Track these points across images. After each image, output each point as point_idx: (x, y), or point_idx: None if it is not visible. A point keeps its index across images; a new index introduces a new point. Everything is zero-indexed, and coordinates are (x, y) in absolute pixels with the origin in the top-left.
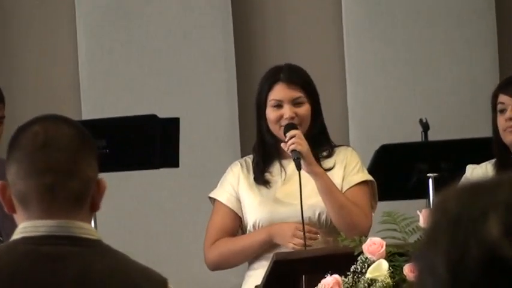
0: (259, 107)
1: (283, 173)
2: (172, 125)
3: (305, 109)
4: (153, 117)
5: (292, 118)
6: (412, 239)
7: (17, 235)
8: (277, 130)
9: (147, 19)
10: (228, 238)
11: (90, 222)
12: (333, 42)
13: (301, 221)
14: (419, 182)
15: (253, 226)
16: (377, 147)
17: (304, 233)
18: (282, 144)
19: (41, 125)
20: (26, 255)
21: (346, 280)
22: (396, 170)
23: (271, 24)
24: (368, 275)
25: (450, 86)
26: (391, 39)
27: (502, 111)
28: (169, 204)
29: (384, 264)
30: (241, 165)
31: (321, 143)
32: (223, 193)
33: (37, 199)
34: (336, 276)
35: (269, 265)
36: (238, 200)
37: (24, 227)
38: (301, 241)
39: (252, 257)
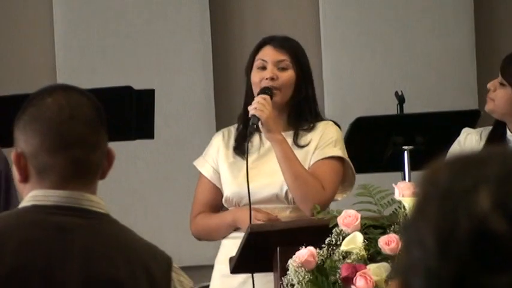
0: (247, 71)
1: (262, 147)
2: (147, 97)
3: (288, 75)
4: (128, 89)
5: (272, 79)
6: (387, 212)
7: (26, 202)
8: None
9: None
10: (206, 214)
11: (96, 192)
12: (308, 14)
13: (267, 198)
14: (395, 155)
15: (225, 201)
16: (352, 119)
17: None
18: (249, 107)
19: (60, 95)
20: (35, 224)
21: (321, 252)
22: (371, 143)
23: (249, 7)
24: (343, 248)
25: (426, 59)
26: (367, 12)
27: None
28: (145, 175)
29: (359, 237)
30: (223, 135)
31: (302, 114)
32: (204, 165)
33: (59, 171)
34: (311, 248)
35: (244, 237)
36: (218, 173)
37: (35, 195)
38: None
39: (225, 235)
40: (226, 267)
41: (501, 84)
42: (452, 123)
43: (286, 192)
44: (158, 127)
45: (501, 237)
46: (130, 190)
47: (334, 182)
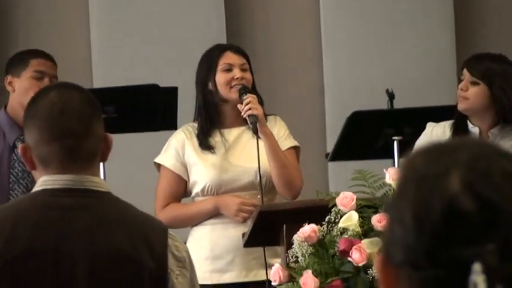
0: (208, 73)
1: (225, 142)
2: (171, 93)
3: (249, 75)
4: (154, 86)
5: (241, 79)
6: (379, 194)
7: (37, 187)
8: (227, 92)
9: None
10: (177, 204)
11: (99, 172)
12: (309, 21)
13: (244, 185)
14: (386, 144)
15: (203, 190)
16: (349, 113)
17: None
18: (238, 105)
19: (55, 93)
20: (45, 206)
21: (322, 229)
22: (366, 134)
23: (258, 9)
24: (340, 225)
25: (412, 61)
26: (363, 21)
27: (459, 81)
28: None
29: (354, 215)
30: (184, 132)
31: None
32: (168, 158)
33: (58, 159)
34: (313, 225)
35: (254, 215)
36: (183, 165)
37: (45, 180)
38: (246, 215)
39: (199, 222)
40: (206, 251)
41: (473, 83)
42: (435, 116)
43: (259, 180)
44: (180, 119)
45: (469, 214)
46: (154, 174)
47: (300, 169)
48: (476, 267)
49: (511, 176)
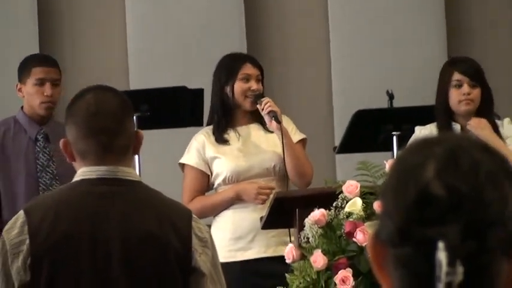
0: (228, 79)
1: (240, 137)
2: (198, 94)
3: (261, 86)
4: (183, 88)
5: (258, 90)
6: (380, 182)
7: (77, 177)
8: (242, 100)
9: (181, 10)
10: (203, 196)
11: (132, 164)
12: (319, 29)
13: (260, 173)
14: (386, 139)
15: (224, 180)
16: (354, 112)
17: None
18: (258, 106)
19: (92, 95)
20: (83, 194)
21: (330, 213)
22: (368, 130)
23: (274, 22)
24: (346, 209)
25: (410, 65)
26: (366, 31)
27: (458, 86)
28: None
29: (359, 201)
30: (203, 134)
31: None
32: (191, 158)
33: (94, 153)
34: (322, 210)
35: (270, 201)
36: (205, 162)
37: (83, 171)
38: (265, 197)
39: (223, 210)
40: (229, 233)
41: (473, 86)
42: (429, 114)
43: (274, 167)
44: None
45: (438, 199)
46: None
47: (309, 159)
48: (441, 245)
49: (479, 166)
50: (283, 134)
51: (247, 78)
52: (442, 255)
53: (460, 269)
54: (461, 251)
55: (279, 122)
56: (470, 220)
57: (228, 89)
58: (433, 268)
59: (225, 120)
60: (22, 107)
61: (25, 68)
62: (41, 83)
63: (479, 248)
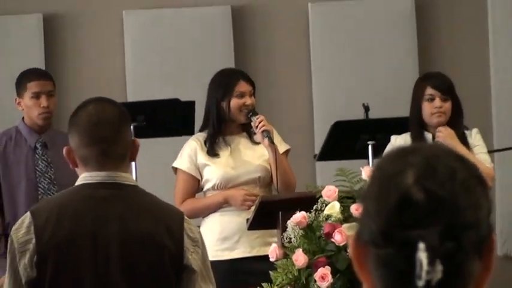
0: (224, 95)
1: (228, 147)
2: (189, 106)
3: (254, 100)
4: (176, 100)
5: (251, 104)
6: (356, 187)
7: (79, 182)
8: (237, 114)
9: (175, 30)
10: (193, 199)
11: (129, 170)
12: (300, 49)
13: (246, 181)
14: (362, 148)
15: (214, 186)
16: (333, 123)
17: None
18: (252, 123)
19: (93, 106)
20: (85, 197)
21: (310, 216)
22: (346, 139)
23: (260, 41)
24: (325, 212)
25: (383, 80)
26: (343, 50)
27: (430, 100)
28: None
29: (337, 205)
30: (195, 141)
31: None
32: (183, 162)
33: (95, 159)
34: (303, 212)
35: (256, 204)
36: (196, 167)
37: (85, 176)
38: (250, 203)
39: (211, 212)
40: (217, 234)
41: (444, 99)
42: (401, 125)
43: (259, 177)
44: (196, 127)
45: (417, 204)
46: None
47: (292, 170)
48: (421, 246)
49: (454, 173)
50: (272, 150)
51: (242, 95)
52: (422, 256)
53: (439, 268)
54: (440, 251)
55: (272, 141)
56: (448, 223)
57: (224, 105)
58: (413, 267)
59: (218, 132)
60: (23, 118)
61: (21, 83)
62: (37, 96)
63: (456, 249)
